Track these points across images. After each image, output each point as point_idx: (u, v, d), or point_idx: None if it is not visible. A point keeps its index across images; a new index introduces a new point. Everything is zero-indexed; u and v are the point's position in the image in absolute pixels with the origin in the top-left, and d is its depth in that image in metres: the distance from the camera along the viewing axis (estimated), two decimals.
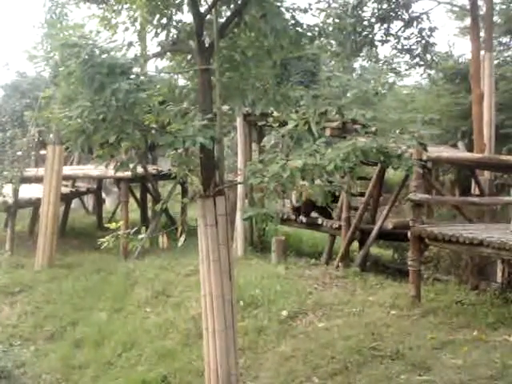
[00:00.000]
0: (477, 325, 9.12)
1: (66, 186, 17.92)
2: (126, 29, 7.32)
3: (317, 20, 7.60)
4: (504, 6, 24.45)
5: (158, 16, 7.28)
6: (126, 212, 15.77)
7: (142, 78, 7.06)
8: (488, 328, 8.95)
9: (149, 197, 18.58)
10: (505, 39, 25.80)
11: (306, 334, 9.60)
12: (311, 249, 15.76)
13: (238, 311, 8.86)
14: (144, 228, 7.98)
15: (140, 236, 7.56)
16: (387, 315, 9.94)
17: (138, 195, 19.04)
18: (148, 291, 12.69)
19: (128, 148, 7.60)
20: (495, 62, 20.96)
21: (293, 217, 14.87)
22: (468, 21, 19.84)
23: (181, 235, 7.63)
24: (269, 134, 8.39)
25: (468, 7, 18.45)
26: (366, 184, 14.26)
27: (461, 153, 15.08)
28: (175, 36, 7.52)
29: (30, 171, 16.99)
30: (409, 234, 10.65)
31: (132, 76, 6.77)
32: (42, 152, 18.12)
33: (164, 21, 7.35)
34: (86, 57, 6.38)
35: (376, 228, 13.09)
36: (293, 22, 7.31)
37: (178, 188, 16.88)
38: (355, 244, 14.14)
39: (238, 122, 14.61)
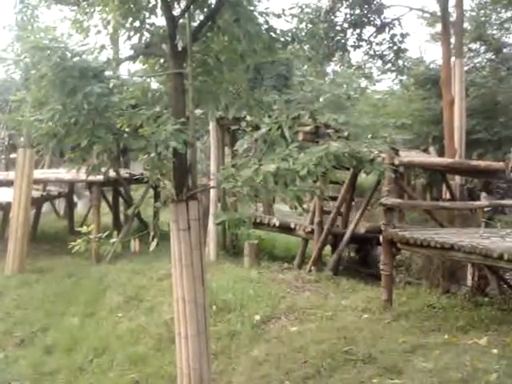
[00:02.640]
0: (448, 328, 9.19)
1: (37, 189, 17.74)
2: (98, 32, 7.28)
3: (290, 25, 7.60)
4: (474, 13, 24.82)
5: (130, 19, 7.23)
6: (98, 216, 15.66)
7: (114, 81, 7.03)
8: (459, 331, 9.02)
9: (121, 201, 18.47)
10: (475, 45, 26.17)
11: (279, 338, 9.60)
12: (284, 253, 15.77)
13: (210, 316, 8.84)
14: (116, 232, 7.91)
15: (112, 240, 7.50)
16: (359, 319, 9.97)
17: (110, 199, 18.91)
18: (120, 296, 12.60)
19: (100, 152, 7.55)
20: (466, 68, 21.25)
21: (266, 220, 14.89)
22: (439, 27, 20.09)
23: (153, 239, 7.59)
24: (242, 139, 8.36)
25: (439, 14, 18.68)
26: (338, 188, 14.32)
27: (432, 157, 15.22)
28: (148, 39, 7.48)
29: (0, 175, 16.79)
30: (381, 238, 10.72)
31: (104, 79, 6.74)
32: (13, 155, 17.93)
33: (137, 24, 7.30)
34: (58, 60, 6.34)
35: (348, 232, 13.16)
36: (266, 26, 7.32)
37: (151, 192, 16.80)
38: (328, 248, 14.20)
39: (211, 126, 14.60)
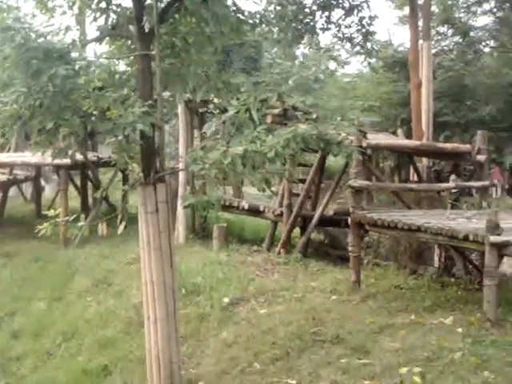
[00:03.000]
0: (414, 308, 9.31)
1: (3, 173, 17.51)
2: (64, 12, 7.16)
3: (258, 7, 7.56)
4: None
5: (96, 0, 7.13)
6: (66, 200, 15.51)
7: (80, 63, 6.94)
8: (425, 311, 9.15)
9: (90, 184, 18.30)
10: (442, 29, 26.34)
11: (248, 320, 9.64)
12: (253, 236, 15.79)
13: (179, 299, 8.83)
14: (83, 216, 7.86)
15: (79, 224, 7.44)
16: (328, 300, 10.05)
17: (78, 183, 18.74)
18: (89, 280, 12.53)
19: (66, 134, 7.46)
20: (433, 50, 21.39)
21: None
22: (407, 10, 20.15)
23: (121, 223, 7.56)
24: (210, 121, 8.33)
25: None
26: (307, 171, 14.37)
27: (400, 140, 15.31)
28: (114, 21, 7.38)
29: None
30: (349, 220, 10.79)
31: (70, 61, 6.65)
32: None
33: (103, 5, 7.19)
34: (22, 41, 6.24)
35: (317, 214, 13.22)
36: (234, 8, 7.29)
37: (120, 175, 16.69)
38: (297, 230, 14.25)
39: (180, 108, 14.49)
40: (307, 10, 19.18)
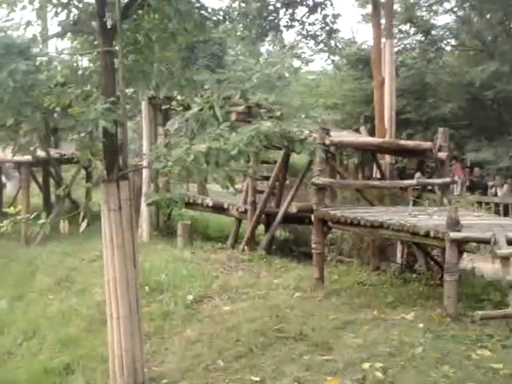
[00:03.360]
0: (377, 304, 9.41)
1: None
2: (24, 7, 7.04)
3: (222, 4, 7.57)
4: None
5: None
6: (27, 197, 15.35)
7: (41, 58, 6.85)
8: (387, 307, 9.25)
9: (52, 181, 18.10)
10: (405, 27, 26.58)
11: (212, 317, 9.64)
12: (217, 233, 15.81)
13: (143, 296, 8.80)
14: (45, 213, 7.76)
15: (40, 221, 7.35)
16: (291, 297, 10.10)
17: (40, 180, 18.51)
18: (51, 278, 12.41)
19: (28, 131, 7.37)
20: (396, 49, 21.60)
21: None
22: (370, 8, 20.30)
23: (83, 220, 7.48)
24: (173, 118, 8.32)
25: None
26: (272, 168, 14.41)
27: (363, 137, 15.42)
28: (76, 16, 7.29)
29: None
30: (312, 217, 10.85)
31: (30, 57, 6.56)
32: None
33: (64, 0, 7.11)
34: None
35: (281, 211, 13.27)
36: (197, 5, 7.26)
37: (83, 172, 16.52)
38: (261, 227, 14.29)
39: (143, 105, 14.41)
40: (271, 7, 19.25)
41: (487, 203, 16.55)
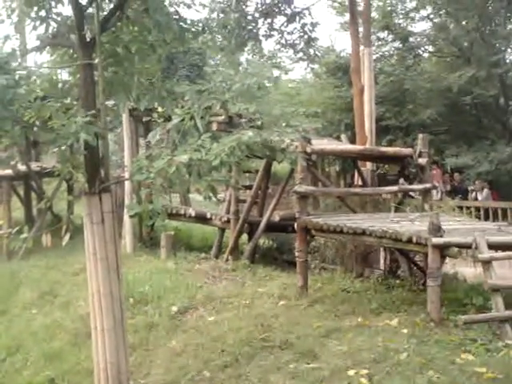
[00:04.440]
0: (361, 311, 9.44)
1: None
2: (2, 21, 7.04)
3: (201, 15, 7.59)
4: (381, 3, 25.39)
5: (36, 8, 7.02)
6: (9, 211, 15.26)
7: (20, 72, 6.83)
8: (371, 314, 9.29)
9: (34, 195, 17.99)
10: (383, 34, 26.76)
11: (197, 328, 9.63)
12: (201, 243, 15.79)
13: (127, 308, 8.77)
14: (27, 227, 7.72)
15: (22, 236, 7.31)
16: (276, 306, 10.12)
17: (22, 193, 18.39)
18: (34, 292, 12.33)
19: (8, 145, 7.34)
20: (374, 56, 21.74)
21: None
22: (348, 16, 20.42)
23: (65, 233, 7.45)
24: (155, 130, 8.33)
25: (347, 3, 19.00)
26: (254, 177, 14.45)
27: (344, 145, 15.50)
28: (55, 29, 7.28)
29: None
30: (295, 225, 10.88)
31: (10, 71, 6.54)
32: None
33: (43, 13, 7.08)
34: None
35: (264, 220, 13.30)
36: (176, 17, 7.28)
37: (64, 185, 16.44)
38: (244, 237, 14.30)
39: (124, 117, 14.40)
40: (250, 17, 19.34)
41: (468, 207, 16.66)
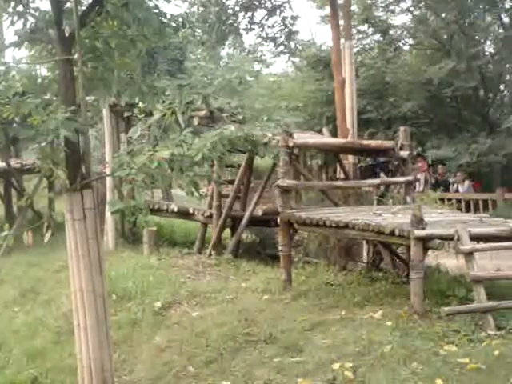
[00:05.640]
0: (345, 304, 9.47)
1: None
2: None
3: (181, 9, 7.52)
4: None
5: (13, 3, 6.92)
6: None
7: None
8: (355, 306, 9.32)
9: (14, 192, 17.83)
10: (363, 27, 26.81)
11: (181, 323, 9.60)
12: (184, 238, 15.75)
13: (110, 305, 8.71)
14: (8, 225, 7.64)
15: (3, 233, 7.24)
16: (260, 300, 10.11)
17: (1, 190, 18.23)
18: (15, 290, 12.23)
19: None
20: (355, 49, 21.76)
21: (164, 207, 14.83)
22: (328, 10, 20.41)
23: (47, 230, 7.39)
24: (136, 125, 8.28)
25: None
26: (237, 172, 14.42)
27: (326, 138, 15.51)
28: (33, 25, 7.20)
29: None
30: (278, 219, 10.87)
31: None
32: None
33: (20, 8, 6.99)
34: None
35: (247, 215, 13.28)
36: (156, 11, 7.23)
37: (45, 182, 16.31)
38: (227, 231, 14.28)
39: (105, 113, 14.30)
40: (230, 10, 19.30)
41: (449, 199, 16.76)
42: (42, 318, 10.78)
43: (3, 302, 11.88)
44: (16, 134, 7.41)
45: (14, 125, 7.00)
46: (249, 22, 19.81)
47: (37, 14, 7.11)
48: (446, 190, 19.61)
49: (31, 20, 7.12)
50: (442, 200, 15.00)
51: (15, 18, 7.01)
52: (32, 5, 7.04)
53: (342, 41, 17.79)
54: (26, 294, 12.00)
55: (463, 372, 6.70)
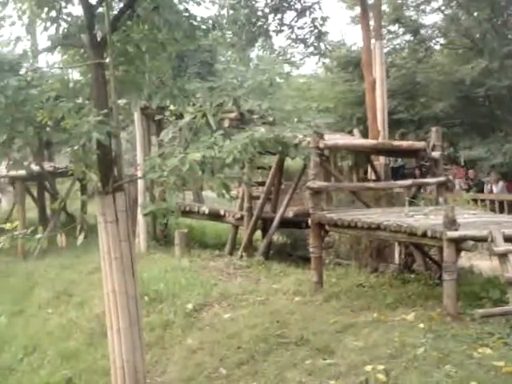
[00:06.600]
0: (377, 306, 9.39)
1: None
2: (13, 23, 7.06)
3: (210, 12, 7.57)
4: None
5: (46, 9, 7.03)
6: (23, 212, 15.33)
7: (32, 73, 6.85)
8: (387, 308, 9.24)
9: (47, 195, 18.07)
10: (393, 27, 26.64)
11: (212, 325, 9.63)
12: (215, 240, 15.80)
13: (142, 307, 8.78)
14: (42, 227, 7.75)
15: (37, 236, 7.33)
16: (291, 302, 10.09)
17: (35, 193, 18.48)
18: (49, 292, 12.39)
19: (21, 146, 7.37)
20: (385, 49, 21.66)
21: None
22: (358, 10, 20.33)
23: (80, 233, 7.47)
24: (167, 128, 8.32)
25: None
26: (268, 173, 14.43)
27: (356, 139, 15.46)
28: (66, 30, 7.30)
29: None
30: (309, 221, 10.84)
31: (21, 72, 6.56)
32: None
33: (53, 14, 7.10)
34: None
35: (277, 216, 13.27)
36: (186, 14, 7.27)
37: (78, 184, 16.51)
38: (258, 233, 14.28)
39: (136, 116, 14.42)
40: (260, 13, 19.32)
41: (482, 200, 16.56)
42: (76, 319, 10.90)
43: (37, 304, 12.04)
44: (49, 138, 7.45)
45: (48, 129, 7.05)
46: (278, 23, 19.80)
47: (69, 19, 7.21)
48: (480, 191, 19.38)
49: (64, 25, 7.23)
50: (475, 201, 14.83)
51: (48, 23, 7.12)
52: (64, 10, 7.16)
53: (373, 41, 17.73)
54: (59, 296, 12.15)
55: (498, 375, 6.59)
